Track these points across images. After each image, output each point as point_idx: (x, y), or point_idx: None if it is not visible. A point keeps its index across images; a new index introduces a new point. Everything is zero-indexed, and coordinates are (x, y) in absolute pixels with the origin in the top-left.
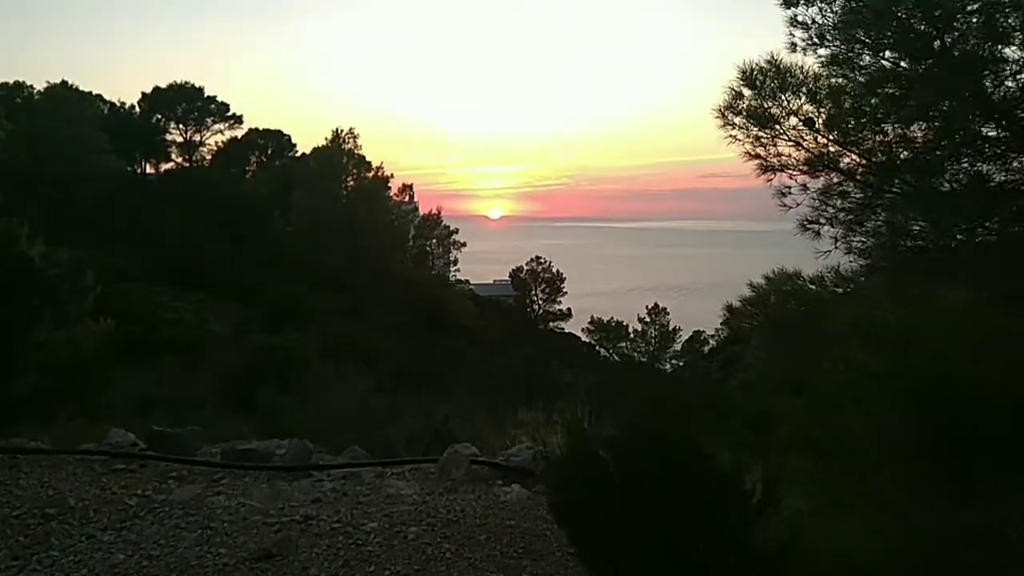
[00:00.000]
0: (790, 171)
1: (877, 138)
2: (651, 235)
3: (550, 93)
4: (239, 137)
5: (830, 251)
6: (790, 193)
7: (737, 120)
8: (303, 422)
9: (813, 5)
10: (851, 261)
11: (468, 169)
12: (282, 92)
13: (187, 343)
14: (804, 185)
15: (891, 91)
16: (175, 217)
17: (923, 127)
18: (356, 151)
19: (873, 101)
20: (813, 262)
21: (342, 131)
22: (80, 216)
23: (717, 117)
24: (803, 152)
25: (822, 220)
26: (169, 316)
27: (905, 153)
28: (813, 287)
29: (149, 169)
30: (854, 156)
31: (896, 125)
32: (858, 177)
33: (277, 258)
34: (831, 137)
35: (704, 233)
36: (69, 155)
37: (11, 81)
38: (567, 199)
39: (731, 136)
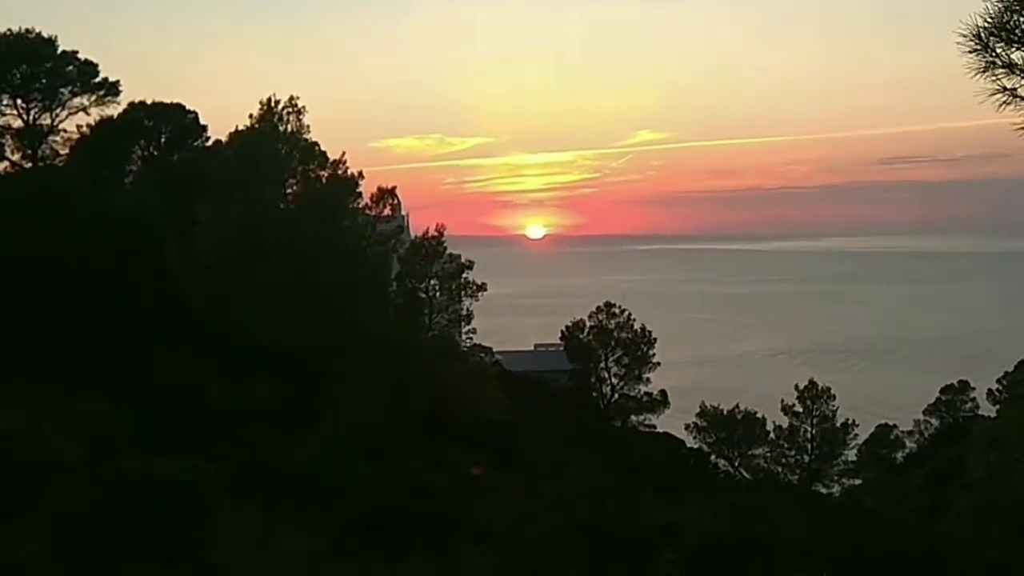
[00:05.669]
0: None
1: None
2: (788, 261)
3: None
4: (114, 117)
5: None
6: None
7: (1016, 55)
8: None
9: None
10: None
11: (495, 157)
12: (193, 57)
13: (9, 474)
14: None
15: None
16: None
17: None
18: (301, 135)
19: None
20: None
21: (276, 103)
22: None
23: (971, 49)
24: None
25: None
26: None
27: None
28: None
29: None
30: None
31: None
32: None
33: (172, 316)
34: None
35: (880, 256)
36: None
37: None
38: (647, 203)
39: (997, 84)
